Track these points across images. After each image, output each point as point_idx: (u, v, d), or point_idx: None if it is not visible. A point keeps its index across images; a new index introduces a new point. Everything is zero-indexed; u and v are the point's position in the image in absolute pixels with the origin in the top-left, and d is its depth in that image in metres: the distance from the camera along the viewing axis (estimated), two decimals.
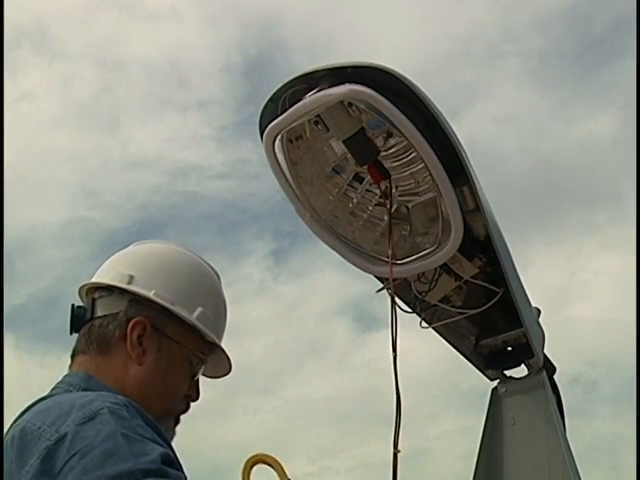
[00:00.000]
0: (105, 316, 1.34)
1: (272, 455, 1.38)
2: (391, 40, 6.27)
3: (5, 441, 1.16)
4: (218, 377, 1.49)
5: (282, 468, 1.36)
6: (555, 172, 6.74)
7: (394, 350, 1.82)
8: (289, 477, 1.36)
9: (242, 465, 1.38)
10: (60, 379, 1.31)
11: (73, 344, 1.37)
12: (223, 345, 1.44)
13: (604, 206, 6.91)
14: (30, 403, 1.23)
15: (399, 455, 1.66)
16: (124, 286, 1.35)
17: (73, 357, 1.36)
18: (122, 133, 7.47)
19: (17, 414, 1.21)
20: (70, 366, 1.36)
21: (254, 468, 1.38)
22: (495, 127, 7.05)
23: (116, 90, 7.40)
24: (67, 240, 7.41)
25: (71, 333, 1.38)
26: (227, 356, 1.44)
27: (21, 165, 6.61)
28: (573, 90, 7.18)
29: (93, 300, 1.37)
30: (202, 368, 1.42)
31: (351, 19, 6.63)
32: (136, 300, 1.35)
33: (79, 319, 1.36)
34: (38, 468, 1.04)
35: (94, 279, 1.42)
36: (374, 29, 6.21)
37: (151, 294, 1.34)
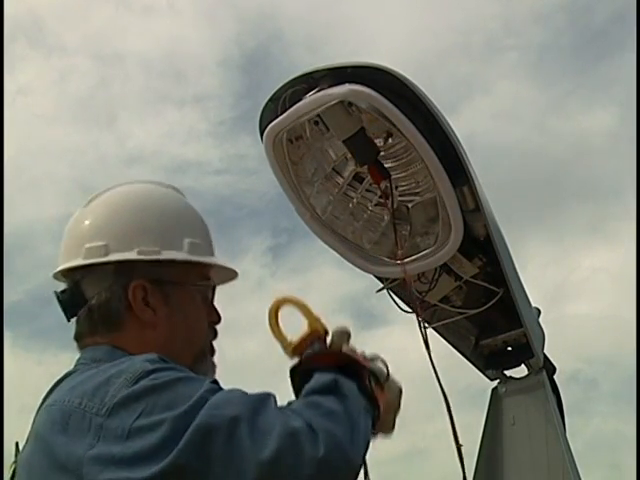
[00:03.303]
0: (99, 293, 1.26)
1: (298, 297, 1.33)
2: (389, 33, 6.27)
3: (38, 424, 1.13)
4: (227, 282, 1.44)
5: (309, 309, 1.32)
6: (553, 167, 6.75)
7: (427, 348, 1.86)
8: (316, 316, 1.31)
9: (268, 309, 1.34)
10: (78, 357, 1.26)
11: (70, 341, 1.32)
12: (219, 258, 1.39)
13: (603, 202, 6.92)
14: (56, 381, 1.19)
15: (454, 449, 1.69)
16: (105, 259, 1.28)
17: (78, 340, 1.29)
18: (119, 128, 7.45)
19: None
20: (80, 348, 1.29)
21: (280, 311, 1.33)
22: (493, 122, 7.04)
23: (113, 85, 7.39)
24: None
25: (69, 320, 1.31)
26: (228, 267, 1.39)
27: (17, 161, 6.59)
28: (572, 84, 7.18)
29: (76, 282, 1.29)
30: (213, 290, 1.38)
31: (349, 12, 6.62)
32: (122, 265, 1.28)
33: (71, 304, 1.30)
34: (102, 448, 1.00)
35: (65, 262, 1.32)
36: (372, 22, 6.20)
37: (135, 254, 1.28)
